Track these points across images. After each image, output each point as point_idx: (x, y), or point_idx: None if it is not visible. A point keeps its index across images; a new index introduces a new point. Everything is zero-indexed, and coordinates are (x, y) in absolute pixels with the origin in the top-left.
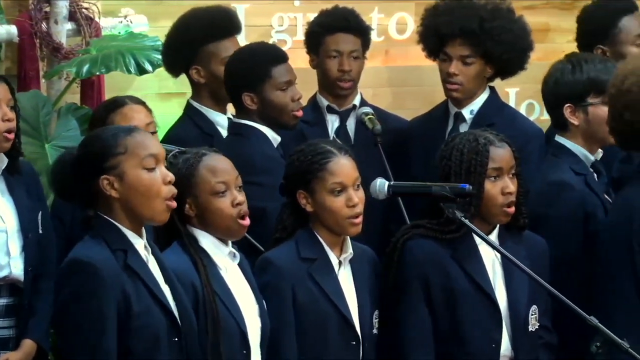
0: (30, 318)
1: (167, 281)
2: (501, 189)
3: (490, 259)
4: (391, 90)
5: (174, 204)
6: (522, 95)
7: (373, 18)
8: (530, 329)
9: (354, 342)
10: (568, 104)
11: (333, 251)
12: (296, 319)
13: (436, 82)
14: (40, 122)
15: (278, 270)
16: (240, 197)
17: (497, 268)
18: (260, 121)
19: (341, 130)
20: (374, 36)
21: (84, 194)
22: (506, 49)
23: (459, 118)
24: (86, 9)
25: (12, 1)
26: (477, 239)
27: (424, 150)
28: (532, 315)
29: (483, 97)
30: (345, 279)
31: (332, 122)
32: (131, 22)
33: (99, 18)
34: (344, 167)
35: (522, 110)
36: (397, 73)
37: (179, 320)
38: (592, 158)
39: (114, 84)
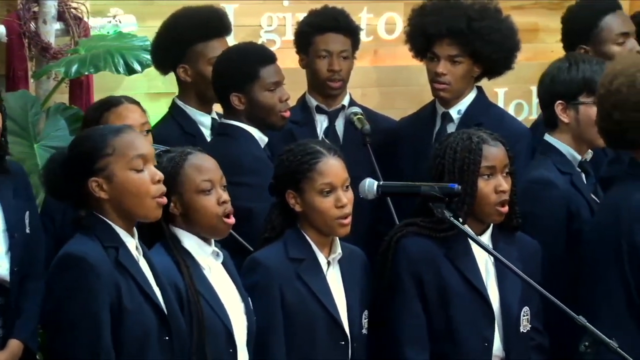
0: (17, 318)
1: (157, 283)
2: (494, 187)
3: (484, 259)
4: (380, 90)
5: (164, 200)
6: (510, 95)
7: (362, 18)
8: (521, 330)
9: (343, 342)
10: (560, 101)
11: (322, 251)
12: (284, 319)
13: (425, 82)
14: (29, 122)
15: (266, 271)
16: (225, 195)
17: (490, 268)
18: (248, 122)
19: (330, 130)
20: (362, 36)
21: (75, 195)
22: (495, 49)
23: (447, 118)
24: (75, 8)
25: (1, 1)
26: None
27: (412, 150)
28: (523, 316)
29: (470, 97)
30: (334, 279)
31: (321, 122)
32: (120, 22)
33: (88, 18)
34: (333, 167)
35: (511, 110)
36: (386, 73)
37: (169, 319)
38: (578, 158)
39: (103, 84)
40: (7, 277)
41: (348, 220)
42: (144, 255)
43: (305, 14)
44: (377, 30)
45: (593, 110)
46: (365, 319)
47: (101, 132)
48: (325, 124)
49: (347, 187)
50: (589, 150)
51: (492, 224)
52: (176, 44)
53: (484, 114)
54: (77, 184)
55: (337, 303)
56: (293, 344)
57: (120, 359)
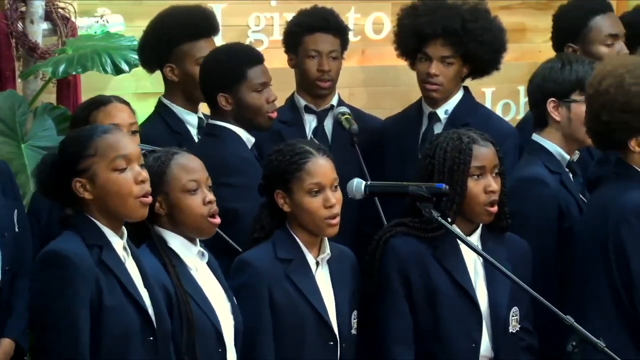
0: (8, 317)
1: (146, 285)
2: (484, 187)
3: (472, 259)
4: (367, 90)
5: (149, 199)
6: (498, 95)
7: (350, 18)
8: (510, 331)
9: (332, 343)
10: (552, 99)
11: (310, 252)
12: (273, 320)
13: (412, 82)
14: (16, 122)
15: (255, 271)
16: (211, 196)
17: (478, 268)
18: (235, 122)
19: (319, 130)
20: (350, 36)
21: (64, 195)
22: (486, 49)
23: (434, 118)
24: (62, 8)
25: None
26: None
27: (397, 150)
28: (512, 316)
29: (457, 97)
30: (323, 279)
31: (310, 122)
32: (107, 21)
33: (75, 18)
34: (322, 167)
35: (498, 110)
36: (374, 73)
37: (153, 320)
38: (567, 157)
39: (91, 84)
40: None
41: (336, 221)
42: (133, 256)
43: (292, 14)
44: (365, 30)
45: (585, 108)
46: (354, 319)
47: (87, 132)
48: (314, 123)
49: (335, 187)
50: (577, 151)
51: (481, 224)
52: (163, 43)
53: (471, 114)
54: (64, 184)
55: (326, 303)
56: (282, 344)
57: (100, 358)
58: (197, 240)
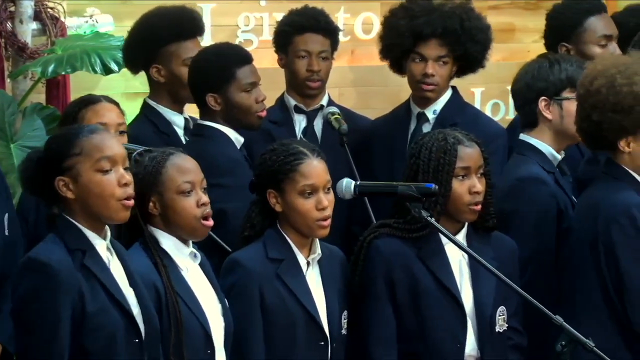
0: None
1: (131, 284)
2: (468, 188)
3: (457, 259)
4: (357, 90)
5: (130, 203)
6: (487, 95)
7: (339, 18)
8: (497, 330)
9: (322, 343)
10: (543, 97)
11: (301, 252)
12: (264, 320)
13: (401, 82)
14: (6, 122)
15: (245, 271)
16: (205, 198)
17: (463, 268)
18: (224, 122)
19: (308, 130)
20: (340, 36)
21: (47, 193)
22: (479, 49)
23: (422, 118)
24: (51, 8)
25: None
26: (444, 239)
27: (386, 150)
28: (499, 316)
29: (446, 97)
30: (314, 279)
31: (300, 122)
32: (97, 21)
33: (65, 18)
34: (315, 169)
35: (487, 110)
36: (363, 73)
37: (138, 321)
38: (558, 157)
39: (80, 84)
40: None
41: (328, 222)
42: (118, 256)
43: (282, 14)
44: (354, 30)
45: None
46: (344, 319)
47: (74, 131)
48: (303, 123)
49: (328, 189)
50: (562, 151)
51: (466, 224)
52: (149, 44)
53: (460, 114)
54: (48, 182)
55: (317, 303)
56: (272, 344)
57: None
58: (190, 241)
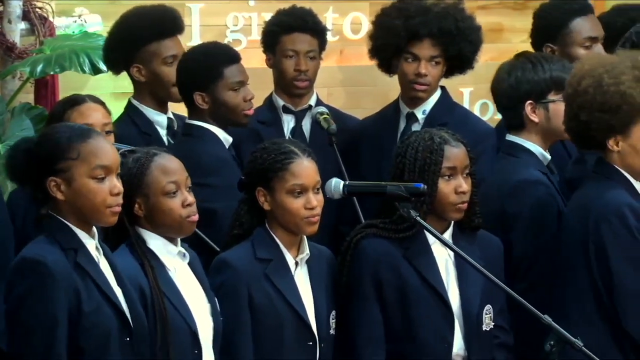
0: None
1: (119, 283)
2: (454, 188)
3: (444, 259)
4: (346, 90)
5: (119, 209)
6: (475, 95)
7: (328, 18)
8: (484, 329)
9: (311, 343)
10: (529, 101)
11: (289, 251)
12: (252, 320)
13: (390, 82)
14: None
15: (234, 271)
16: (190, 197)
17: (450, 267)
18: (212, 121)
19: (297, 130)
20: (328, 36)
21: (35, 189)
22: (472, 49)
23: (412, 118)
24: (40, 8)
25: None
26: (430, 238)
27: (374, 150)
28: (486, 314)
29: (435, 97)
30: (302, 279)
31: (288, 122)
32: (85, 21)
33: (53, 17)
34: (306, 169)
35: (476, 109)
36: (352, 73)
37: (130, 320)
38: (548, 157)
39: (68, 84)
40: None
41: (316, 219)
42: (105, 256)
43: (271, 14)
44: (343, 30)
45: (563, 107)
46: (333, 319)
47: (70, 133)
48: (292, 123)
49: (317, 189)
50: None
51: (452, 223)
52: (129, 44)
53: (449, 114)
54: (38, 179)
55: (305, 303)
56: (261, 344)
57: None
58: (178, 240)
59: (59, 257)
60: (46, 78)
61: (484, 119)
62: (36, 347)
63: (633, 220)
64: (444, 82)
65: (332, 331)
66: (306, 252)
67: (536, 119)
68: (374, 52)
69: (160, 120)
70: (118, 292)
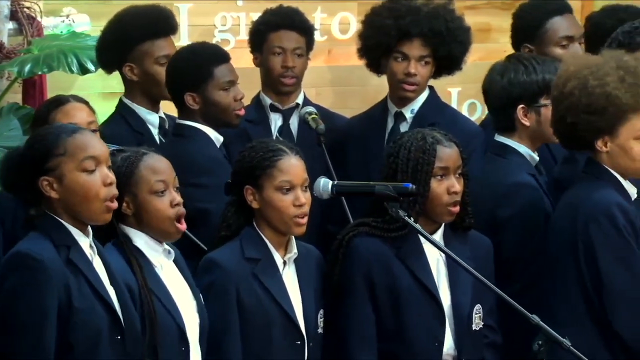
0: None
1: (112, 282)
2: (447, 188)
3: (435, 258)
4: (334, 89)
5: (114, 204)
6: (463, 95)
7: (316, 18)
8: (474, 328)
9: (299, 342)
10: (521, 105)
11: (278, 251)
12: (241, 320)
13: (379, 81)
14: None
15: (222, 271)
16: (178, 198)
17: (441, 267)
18: (203, 121)
19: (284, 128)
20: (317, 36)
21: (28, 192)
22: (461, 50)
23: (400, 118)
24: (28, 8)
25: None
26: (422, 238)
27: (362, 150)
28: (476, 314)
29: (423, 96)
30: (290, 279)
31: (275, 121)
32: (73, 21)
33: (41, 17)
34: (294, 166)
35: (464, 109)
36: (340, 72)
37: (122, 319)
38: (537, 158)
39: (57, 84)
40: None
41: (305, 220)
42: (99, 254)
43: (259, 14)
44: (331, 30)
45: None
46: (321, 318)
47: (57, 131)
48: (279, 122)
49: (305, 187)
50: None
51: (443, 224)
52: (122, 43)
53: (437, 113)
54: (29, 182)
55: (293, 303)
56: (249, 344)
57: (71, 358)
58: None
59: (51, 252)
60: (34, 78)
61: (472, 119)
62: (25, 340)
63: (622, 220)
64: (432, 82)
65: (320, 330)
66: (294, 251)
67: (527, 123)
68: (363, 52)
69: (152, 119)
70: (111, 291)
